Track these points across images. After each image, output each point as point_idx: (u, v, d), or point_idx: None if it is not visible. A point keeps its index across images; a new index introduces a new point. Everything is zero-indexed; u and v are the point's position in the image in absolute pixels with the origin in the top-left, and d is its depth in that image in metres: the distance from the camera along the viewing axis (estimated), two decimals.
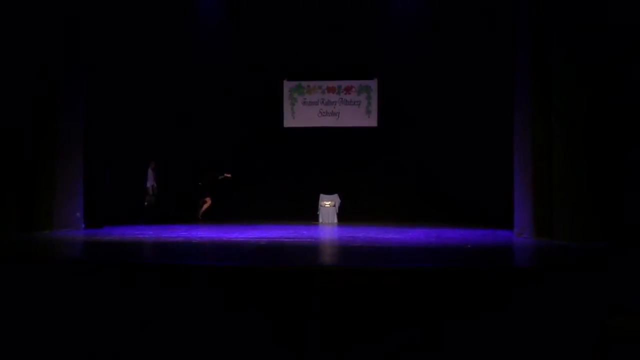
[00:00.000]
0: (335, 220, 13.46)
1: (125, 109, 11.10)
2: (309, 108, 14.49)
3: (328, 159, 14.10)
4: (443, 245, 7.15)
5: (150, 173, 12.75)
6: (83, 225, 9.58)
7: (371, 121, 14.28)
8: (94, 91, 9.88)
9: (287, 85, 14.54)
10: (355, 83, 14.39)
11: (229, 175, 13.46)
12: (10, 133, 8.38)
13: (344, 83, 14.42)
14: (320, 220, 13.53)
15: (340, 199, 13.74)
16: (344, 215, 13.65)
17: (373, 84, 14.32)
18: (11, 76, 8.33)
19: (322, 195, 13.78)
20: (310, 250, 6.71)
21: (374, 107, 14.28)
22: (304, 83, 14.51)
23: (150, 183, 12.77)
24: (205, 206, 13.42)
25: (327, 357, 4.23)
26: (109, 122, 10.49)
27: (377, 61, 13.83)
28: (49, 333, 4.38)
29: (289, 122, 14.51)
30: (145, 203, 12.56)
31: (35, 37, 8.63)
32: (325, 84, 14.46)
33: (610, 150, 7.08)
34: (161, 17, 11.66)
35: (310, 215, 13.58)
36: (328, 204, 13.65)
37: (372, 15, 13.18)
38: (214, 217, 13.77)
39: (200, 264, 5.14)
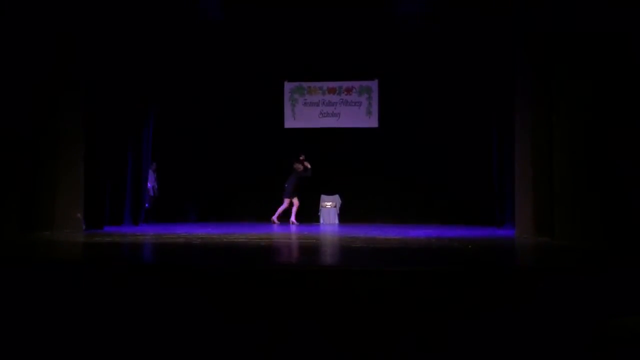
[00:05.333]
0: (336, 221, 13.49)
1: (125, 109, 11.10)
2: (310, 109, 14.50)
3: (329, 159, 14.10)
4: (444, 246, 7.15)
5: (150, 174, 12.77)
6: (84, 226, 9.58)
7: (372, 122, 14.29)
8: (95, 91, 9.89)
9: (288, 86, 14.55)
10: (356, 84, 14.40)
11: (306, 164, 13.22)
12: (10, 133, 8.37)
13: (345, 84, 14.43)
14: (321, 220, 13.56)
15: (340, 199, 13.76)
16: (345, 216, 13.67)
17: (374, 84, 14.33)
18: (11, 76, 8.33)
19: (322, 196, 13.81)
20: (311, 250, 6.71)
21: (375, 108, 14.29)
22: (305, 84, 14.52)
23: (151, 184, 12.79)
24: (281, 208, 13.15)
25: None
26: (109, 123, 10.51)
27: (378, 62, 13.83)
28: (48, 334, 4.38)
29: (289, 122, 14.52)
30: (146, 204, 12.58)
31: (35, 37, 8.63)
32: (326, 84, 14.47)
33: (612, 150, 7.06)
34: (161, 17, 11.65)
35: (311, 215, 13.60)
36: (329, 204, 13.67)
37: (373, 16, 13.17)
38: (215, 217, 13.80)
39: (201, 265, 5.15)
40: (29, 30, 8.52)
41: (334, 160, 14.09)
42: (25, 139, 8.61)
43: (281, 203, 13.11)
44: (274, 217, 13.00)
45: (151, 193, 12.85)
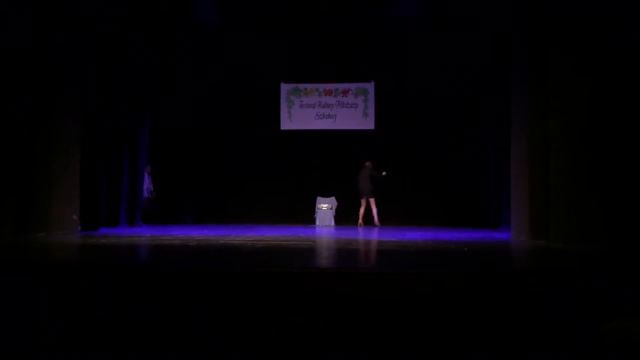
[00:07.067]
0: (332, 223, 13.48)
1: (122, 111, 11.08)
2: (306, 111, 14.49)
3: (325, 161, 14.09)
4: (441, 248, 7.15)
5: (146, 177, 12.74)
6: (79, 227, 9.56)
7: (368, 124, 14.28)
8: (92, 93, 9.87)
9: (284, 87, 14.53)
10: (352, 86, 14.40)
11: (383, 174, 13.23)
12: (7, 134, 8.36)
13: (341, 86, 14.42)
14: (317, 222, 13.54)
15: (337, 201, 13.76)
16: (341, 218, 13.66)
17: (370, 86, 14.32)
18: (9, 76, 8.32)
19: (319, 198, 13.79)
20: (306, 253, 6.70)
21: (371, 110, 14.28)
22: (301, 86, 14.50)
23: (146, 186, 12.76)
24: (374, 211, 13.23)
25: None
26: (106, 125, 10.50)
27: (374, 64, 13.83)
28: (44, 335, 4.36)
29: (285, 124, 14.51)
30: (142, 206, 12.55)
31: (34, 37, 8.62)
32: (322, 86, 14.46)
33: (608, 152, 7.07)
34: (159, 18, 11.64)
35: (307, 217, 13.59)
36: (325, 206, 13.66)
37: (370, 18, 13.18)
38: (211, 219, 13.77)
39: (196, 267, 5.14)
40: (27, 31, 8.51)
41: (330, 162, 14.08)
42: (21, 140, 8.60)
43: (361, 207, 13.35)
44: (376, 221, 13.14)
45: (146, 195, 12.81)
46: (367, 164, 13.33)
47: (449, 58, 12.78)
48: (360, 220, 13.25)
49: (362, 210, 13.29)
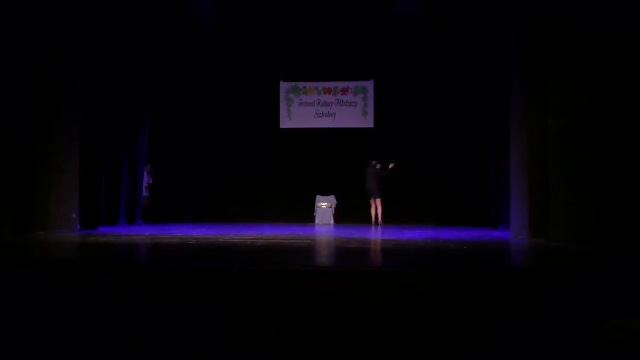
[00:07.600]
0: (332, 222, 13.49)
1: (121, 110, 11.07)
2: (306, 109, 14.50)
3: (324, 160, 14.10)
4: (440, 247, 7.15)
5: (145, 176, 12.74)
6: (79, 226, 9.56)
7: (367, 122, 14.30)
8: (91, 92, 9.87)
9: (284, 86, 14.55)
10: (351, 84, 14.41)
11: (392, 166, 13.14)
12: (6, 133, 8.35)
13: (341, 84, 14.44)
14: (317, 221, 13.56)
15: (336, 200, 13.77)
16: (341, 217, 13.67)
17: (369, 85, 14.34)
18: (9, 76, 8.31)
19: (318, 197, 13.81)
20: (306, 251, 6.71)
21: (370, 109, 14.31)
22: (301, 84, 14.52)
23: (145, 184, 12.76)
24: (379, 210, 13.14)
25: None
26: (105, 124, 10.49)
27: (373, 62, 13.83)
28: (42, 335, 4.36)
29: (285, 123, 14.52)
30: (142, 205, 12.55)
31: (34, 37, 8.61)
32: (322, 85, 14.48)
33: (608, 151, 7.08)
34: (157, 17, 11.62)
35: (307, 216, 13.60)
36: (324, 205, 13.68)
37: (369, 16, 13.17)
38: (210, 218, 13.78)
39: (195, 266, 5.14)
40: (25, 31, 8.50)
41: (329, 160, 14.09)
42: (20, 140, 8.59)
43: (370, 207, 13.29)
44: (380, 220, 13.07)
45: (146, 193, 12.81)
46: (374, 162, 13.27)
47: (449, 57, 12.78)
48: (374, 220, 13.18)
49: (373, 211, 13.24)
